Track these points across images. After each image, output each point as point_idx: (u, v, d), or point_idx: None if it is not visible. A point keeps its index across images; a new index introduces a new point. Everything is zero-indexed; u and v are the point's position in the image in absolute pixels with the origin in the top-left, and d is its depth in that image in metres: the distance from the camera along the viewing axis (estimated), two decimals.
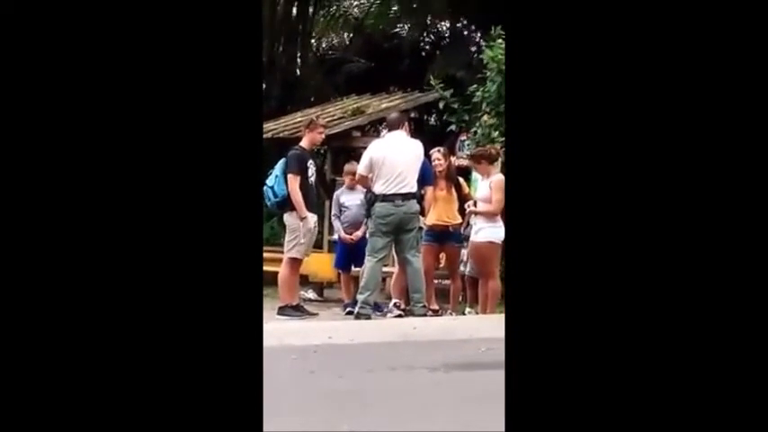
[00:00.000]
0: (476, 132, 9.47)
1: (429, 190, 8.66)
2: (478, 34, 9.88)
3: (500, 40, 9.24)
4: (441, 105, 10.14)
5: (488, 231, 7.87)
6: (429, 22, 17.36)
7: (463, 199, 8.70)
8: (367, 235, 8.49)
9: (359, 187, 8.77)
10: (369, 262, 8.18)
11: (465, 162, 10.30)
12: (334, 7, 17.86)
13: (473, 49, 10.68)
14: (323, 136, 8.92)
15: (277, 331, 6.20)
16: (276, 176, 8.38)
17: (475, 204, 8.24)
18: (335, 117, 12.53)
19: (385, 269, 8.89)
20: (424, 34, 17.51)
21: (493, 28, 9.46)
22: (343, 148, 12.39)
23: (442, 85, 10.14)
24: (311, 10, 17.11)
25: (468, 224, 8.62)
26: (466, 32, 16.09)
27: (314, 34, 18.28)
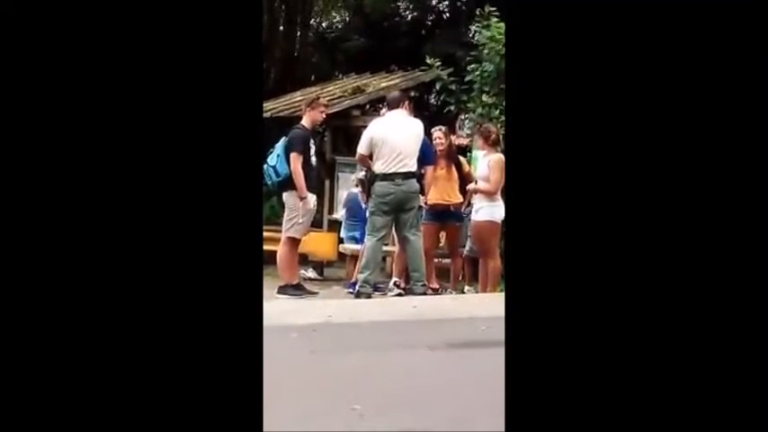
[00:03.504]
0: (474, 111, 9.46)
1: (429, 169, 8.65)
2: (478, 12, 9.82)
3: (495, 19, 9.22)
4: (437, 86, 10.10)
5: (488, 210, 7.87)
6: (429, 1, 17.30)
7: (464, 178, 8.69)
8: (367, 214, 8.49)
9: None
10: (369, 241, 8.18)
11: (465, 141, 10.29)
12: None
13: (472, 28, 10.63)
14: (324, 115, 8.89)
15: (277, 310, 6.20)
16: (278, 156, 8.35)
17: (475, 183, 8.24)
18: (335, 96, 12.50)
19: (385, 248, 8.89)
20: (424, 13, 17.44)
21: (484, 7, 9.45)
22: (342, 128, 12.38)
23: (439, 64, 10.08)
24: None
25: (469, 204, 8.62)
26: (465, 10, 16.02)
27: (314, 13, 18.22)
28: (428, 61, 10.04)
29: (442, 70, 9.98)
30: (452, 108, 10.16)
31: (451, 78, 9.89)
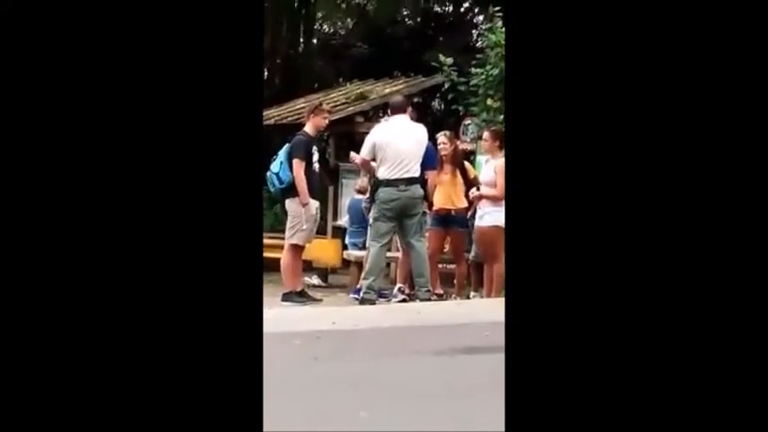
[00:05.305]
0: (479, 115, 9.44)
1: (432, 174, 8.63)
2: (481, 18, 9.82)
3: (500, 23, 9.22)
4: (446, 85, 10.04)
5: (493, 216, 7.84)
6: (432, 6, 17.32)
7: (470, 183, 8.65)
8: (370, 220, 8.48)
9: None
10: (373, 247, 8.17)
11: (468, 146, 10.27)
12: None
13: (475, 32, 10.63)
14: (327, 121, 8.88)
15: (281, 317, 6.19)
16: (281, 162, 8.34)
17: (478, 189, 8.20)
18: (339, 102, 12.51)
19: (390, 254, 8.87)
20: (427, 19, 17.46)
21: (491, 8, 9.45)
22: (346, 134, 12.38)
23: (452, 62, 10.02)
24: None
25: (474, 210, 8.58)
26: (469, 16, 16.04)
27: (317, 20, 18.25)
28: (441, 59, 9.96)
29: (453, 71, 9.93)
30: (460, 108, 10.10)
31: (461, 79, 9.85)
